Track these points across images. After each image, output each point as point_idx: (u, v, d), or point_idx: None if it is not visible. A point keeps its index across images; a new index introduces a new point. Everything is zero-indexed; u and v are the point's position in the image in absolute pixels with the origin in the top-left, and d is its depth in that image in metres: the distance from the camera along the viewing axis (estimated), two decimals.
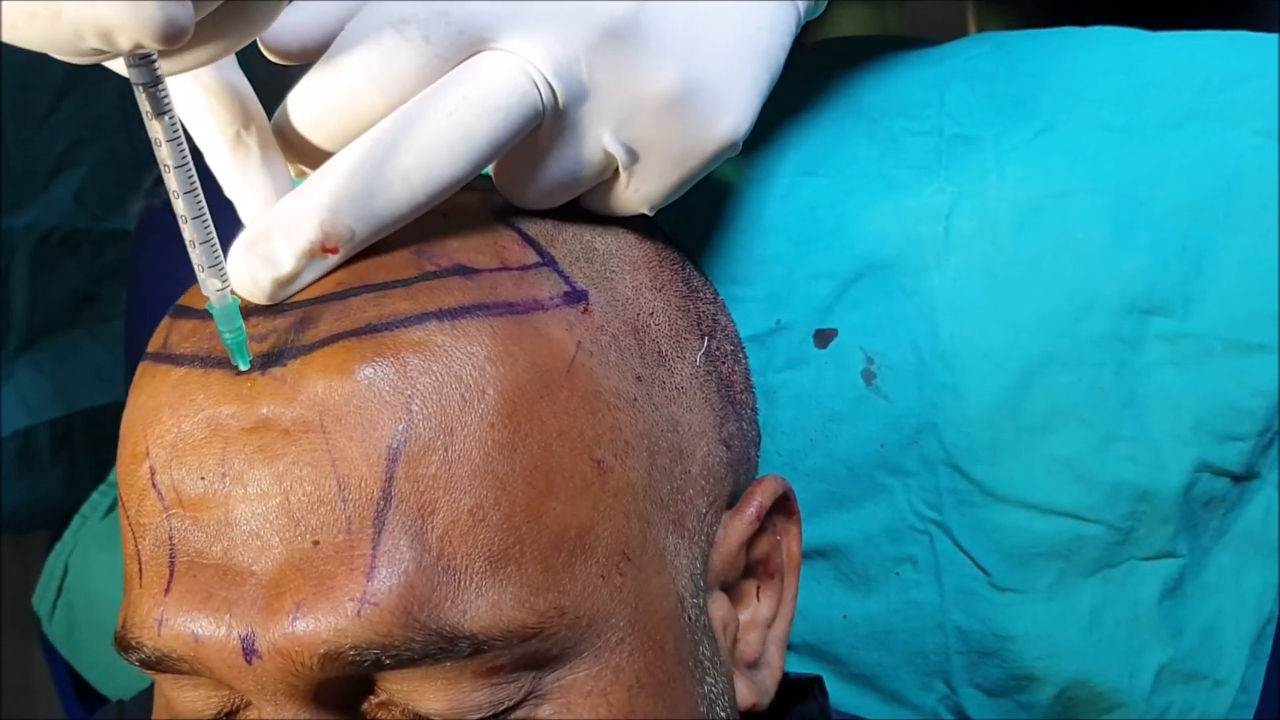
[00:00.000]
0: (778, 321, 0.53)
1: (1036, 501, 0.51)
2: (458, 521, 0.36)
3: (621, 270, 0.43)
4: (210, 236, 0.36)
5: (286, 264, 0.37)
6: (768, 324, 0.53)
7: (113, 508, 0.73)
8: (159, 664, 0.37)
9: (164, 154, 0.34)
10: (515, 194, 0.42)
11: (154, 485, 0.38)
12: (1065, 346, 0.51)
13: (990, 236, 0.52)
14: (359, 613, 0.35)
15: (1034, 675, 0.53)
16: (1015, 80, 0.55)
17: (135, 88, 0.33)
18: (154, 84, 0.33)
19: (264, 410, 0.36)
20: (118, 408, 1.01)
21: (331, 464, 0.36)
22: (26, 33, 0.30)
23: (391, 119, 0.38)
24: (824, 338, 0.53)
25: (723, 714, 0.42)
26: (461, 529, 0.36)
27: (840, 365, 0.53)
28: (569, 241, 0.43)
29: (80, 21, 0.29)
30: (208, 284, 0.36)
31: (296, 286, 0.38)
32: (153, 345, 0.41)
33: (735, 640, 0.45)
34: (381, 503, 0.36)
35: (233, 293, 0.37)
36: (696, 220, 0.52)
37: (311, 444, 0.36)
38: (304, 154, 0.40)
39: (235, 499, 0.36)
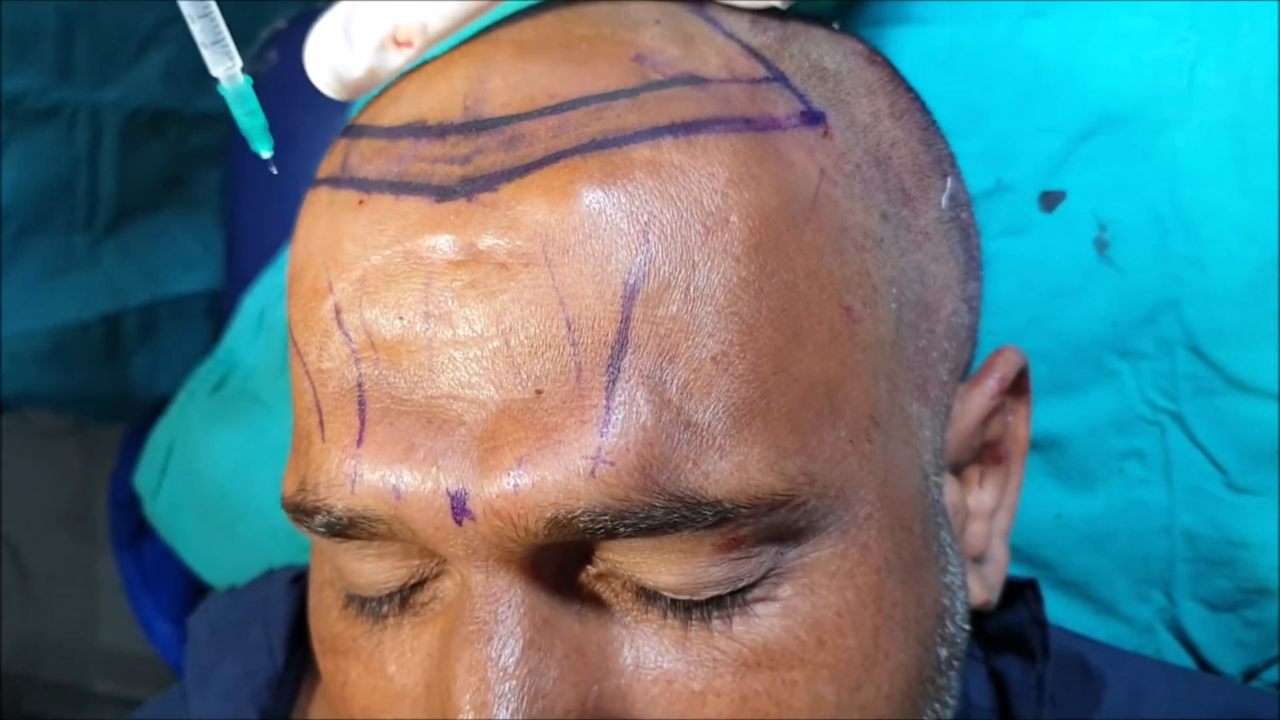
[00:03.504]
0: (998, 181, 0.47)
1: None
2: (700, 371, 0.31)
3: (857, 93, 0.37)
4: (210, 10, 0.33)
5: (357, 63, 0.35)
6: (986, 183, 0.47)
7: (221, 383, 0.68)
8: (350, 528, 0.32)
9: None
10: None
11: (340, 325, 0.32)
12: None
13: (1240, 92, 0.46)
14: (593, 471, 0.29)
15: (1267, 588, 0.47)
16: None
17: None
18: None
19: (474, 241, 0.31)
20: (205, 296, 0.98)
21: (559, 302, 0.30)
22: None
23: None
24: (1050, 200, 0.47)
25: (961, 608, 0.37)
26: (704, 379, 0.31)
27: (1069, 232, 0.47)
28: (796, 57, 0.37)
29: None
30: (215, 63, 0.33)
31: (377, 81, 0.36)
32: (327, 168, 0.36)
33: (962, 530, 0.40)
34: (616, 347, 0.30)
35: (244, 71, 0.34)
36: (901, 62, 0.46)
37: (534, 279, 0.30)
38: None
39: (441, 342, 0.31)
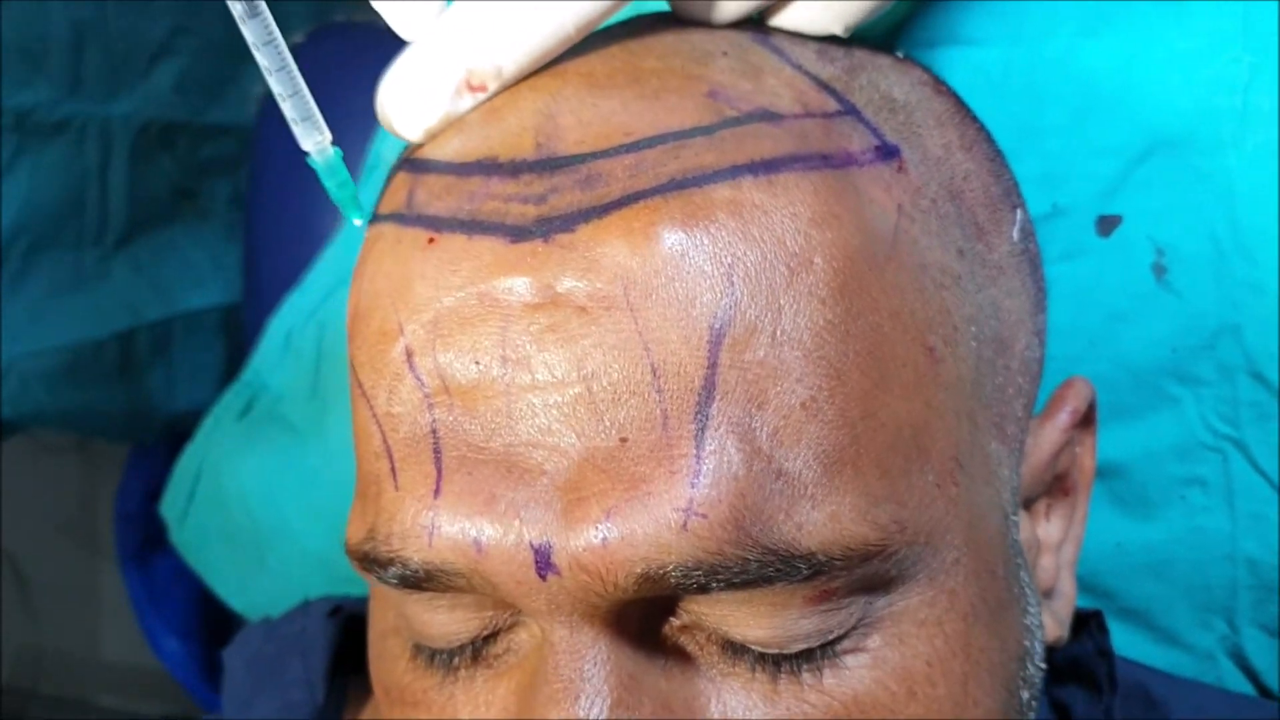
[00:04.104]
0: (1054, 205, 0.47)
1: None
2: (789, 418, 0.30)
3: (927, 124, 0.37)
4: (299, 88, 0.34)
5: (433, 110, 0.34)
6: (1043, 207, 0.47)
7: (248, 408, 0.67)
8: (426, 580, 0.31)
9: None
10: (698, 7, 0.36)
11: (411, 369, 0.31)
12: None
13: None
14: (685, 524, 0.29)
15: None
16: None
17: None
18: None
19: (552, 283, 0.30)
20: (218, 311, 0.97)
21: (643, 347, 0.29)
22: None
23: None
24: (1107, 225, 0.46)
25: (1039, 648, 0.37)
26: (793, 426, 0.30)
27: (1126, 257, 0.46)
28: (865, 89, 0.36)
29: None
30: (304, 137, 0.34)
31: (449, 121, 0.34)
32: (389, 204, 0.34)
33: (1034, 565, 0.39)
34: (704, 393, 0.29)
35: (333, 144, 0.35)
36: (954, 83, 0.45)
37: (616, 323, 0.29)
38: None
39: (519, 387, 0.30)
